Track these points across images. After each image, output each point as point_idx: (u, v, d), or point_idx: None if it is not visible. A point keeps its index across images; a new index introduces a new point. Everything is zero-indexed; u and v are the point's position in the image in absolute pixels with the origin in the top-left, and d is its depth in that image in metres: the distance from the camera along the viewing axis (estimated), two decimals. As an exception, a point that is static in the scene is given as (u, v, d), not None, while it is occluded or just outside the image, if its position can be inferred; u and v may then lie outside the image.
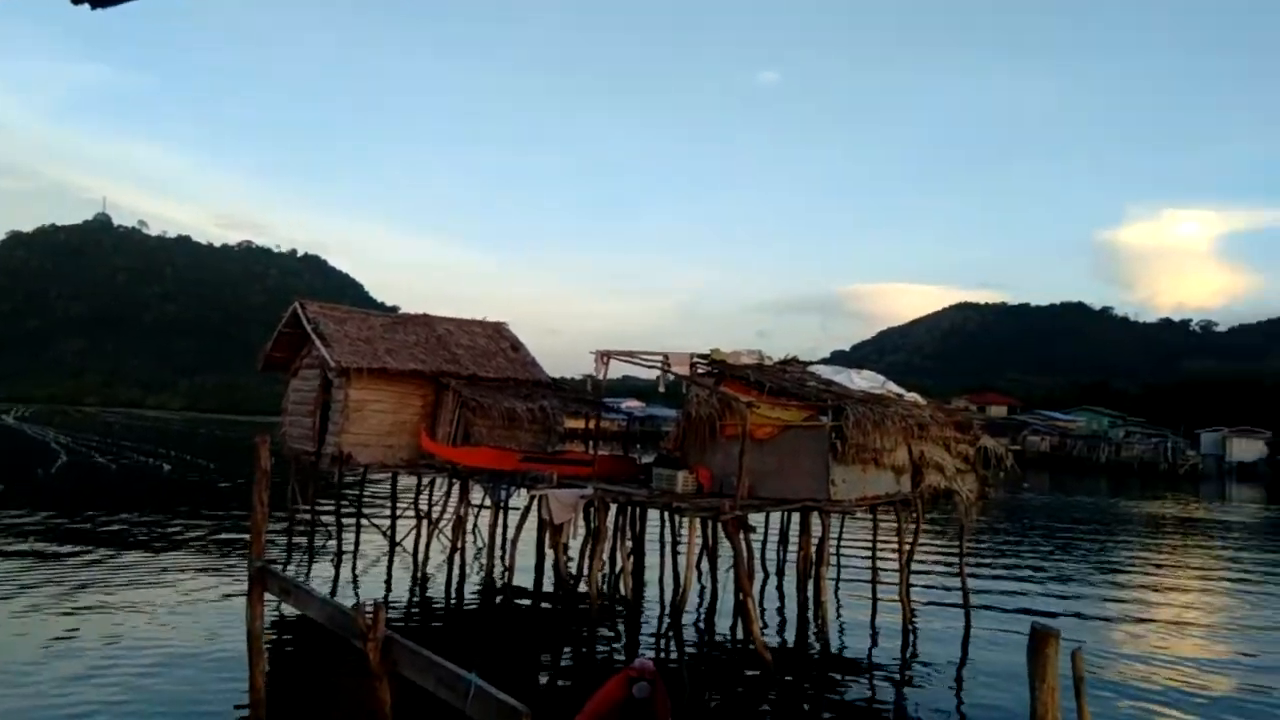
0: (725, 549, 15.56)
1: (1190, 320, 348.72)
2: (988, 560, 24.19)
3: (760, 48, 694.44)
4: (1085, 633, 15.64)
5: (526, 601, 16.87)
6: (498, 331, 23.90)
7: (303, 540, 21.48)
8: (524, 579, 17.88)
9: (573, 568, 17.26)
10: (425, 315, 23.31)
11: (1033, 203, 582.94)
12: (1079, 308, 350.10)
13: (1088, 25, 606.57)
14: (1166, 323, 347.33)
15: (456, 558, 18.72)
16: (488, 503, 18.91)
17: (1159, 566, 25.43)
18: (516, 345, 23.70)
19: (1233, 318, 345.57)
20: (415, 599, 16.85)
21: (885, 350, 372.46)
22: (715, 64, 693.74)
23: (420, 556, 19.83)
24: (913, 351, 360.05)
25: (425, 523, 20.70)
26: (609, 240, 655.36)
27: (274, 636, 12.65)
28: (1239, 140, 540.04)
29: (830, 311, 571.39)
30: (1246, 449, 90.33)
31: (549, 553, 16.70)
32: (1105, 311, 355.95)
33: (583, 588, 16.11)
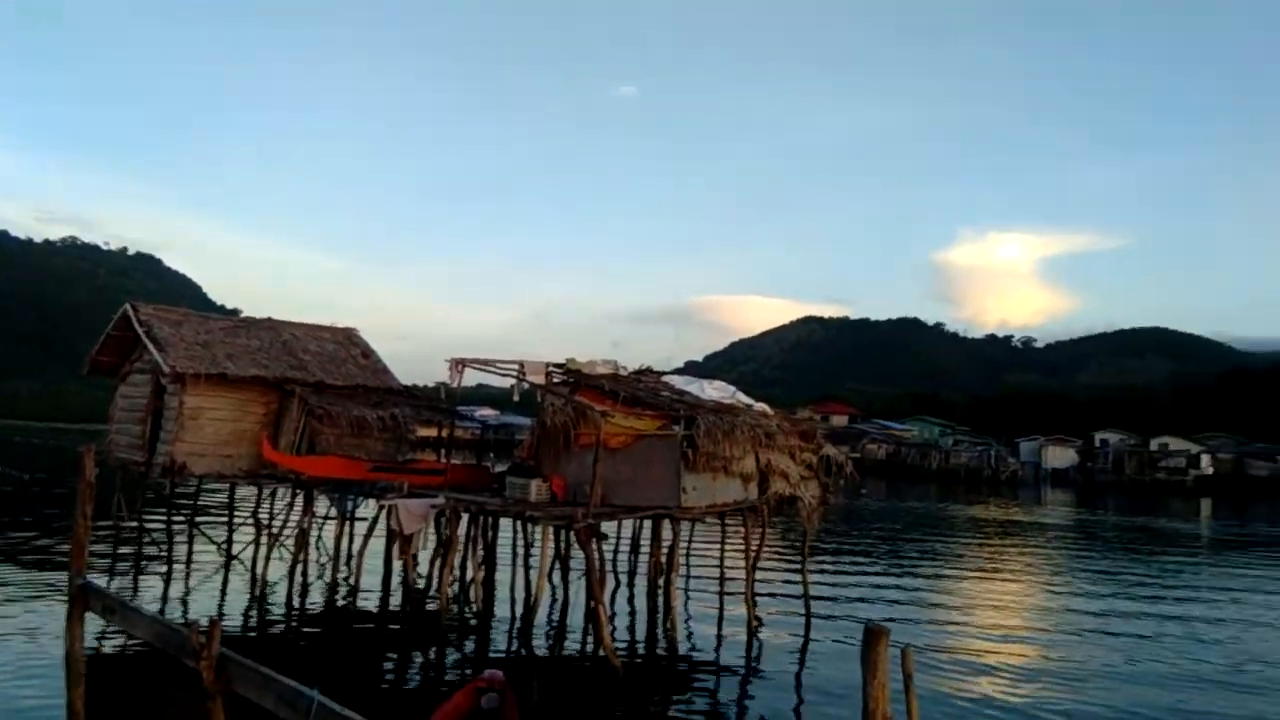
0: (578, 557, 15.66)
1: (1013, 336, 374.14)
2: (829, 563, 25.23)
3: (621, 61, 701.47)
4: (916, 631, 16.56)
5: (373, 615, 16.43)
6: (347, 338, 23.19)
7: (130, 555, 20.19)
8: (371, 592, 17.42)
9: (422, 579, 16.95)
10: (270, 320, 22.37)
11: (875, 222, 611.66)
12: (915, 323, 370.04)
13: (928, 59, 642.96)
14: (992, 338, 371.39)
15: (298, 571, 18.05)
16: (334, 514, 18.33)
17: (983, 567, 27.19)
18: (367, 352, 23.07)
19: (1050, 335, 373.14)
20: (253, 614, 16.13)
21: (736, 361, 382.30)
22: (575, 74, 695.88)
23: (259, 570, 18.98)
24: (762, 362, 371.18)
25: (265, 535, 19.84)
26: (461, 247, 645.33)
27: (97, 658, 11.85)
28: (1056, 170, 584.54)
29: (683, 322, 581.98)
30: (1060, 457, 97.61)
31: (397, 564, 16.36)
32: (938, 327, 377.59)
33: (432, 599, 15.84)
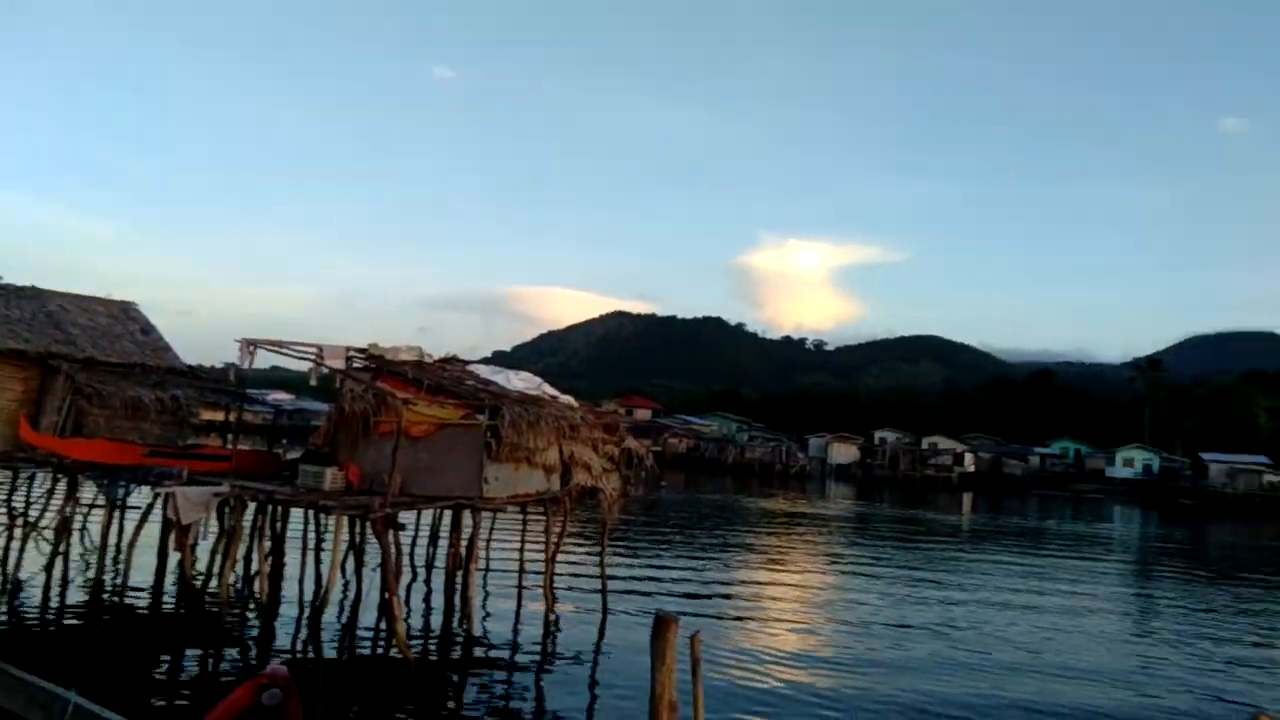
0: (374, 548, 15.21)
1: (807, 339, 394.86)
2: (629, 553, 25.77)
3: (436, 45, 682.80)
4: (708, 620, 17.22)
5: (144, 611, 15.28)
6: (124, 312, 21.40)
7: None
8: (142, 587, 16.21)
9: (202, 573, 15.95)
10: (33, 288, 20.30)
11: (684, 223, 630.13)
12: (718, 322, 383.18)
13: (744, 72, 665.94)
14: (788, 340, 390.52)
15: (58, 563, 16.53)
16: (101, 502, 16.90)
17: (772, 557, 28.62)
18: (147, 328, 21.38)
19: (840, 339, 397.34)
20: (3, 612, 14.62)
21: (544, 352, 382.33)
22: (391, 54, 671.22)
23: (10, 564, 17.21)
24: (570, 355, 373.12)
25: (20, 525, 18.02)
26: (258, 221, 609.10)
27: None
28: (851, 186, 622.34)
29: (492, 311, 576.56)
30: (843, 453, 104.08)
31: (174, 556, 15.32)
32: (739, 327, 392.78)
33: (213, 594, 14.94)
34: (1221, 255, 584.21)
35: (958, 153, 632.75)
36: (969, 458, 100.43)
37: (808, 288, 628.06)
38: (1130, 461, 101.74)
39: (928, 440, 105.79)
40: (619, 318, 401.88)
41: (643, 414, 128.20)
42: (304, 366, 14.73)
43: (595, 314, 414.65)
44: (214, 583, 15.39)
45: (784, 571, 25.07)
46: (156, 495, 14.23)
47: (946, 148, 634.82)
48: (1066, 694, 13.55)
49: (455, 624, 15.37)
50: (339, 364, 14.32)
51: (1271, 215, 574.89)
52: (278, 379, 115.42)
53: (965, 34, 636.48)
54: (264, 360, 16.09)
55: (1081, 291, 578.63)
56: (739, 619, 17.80)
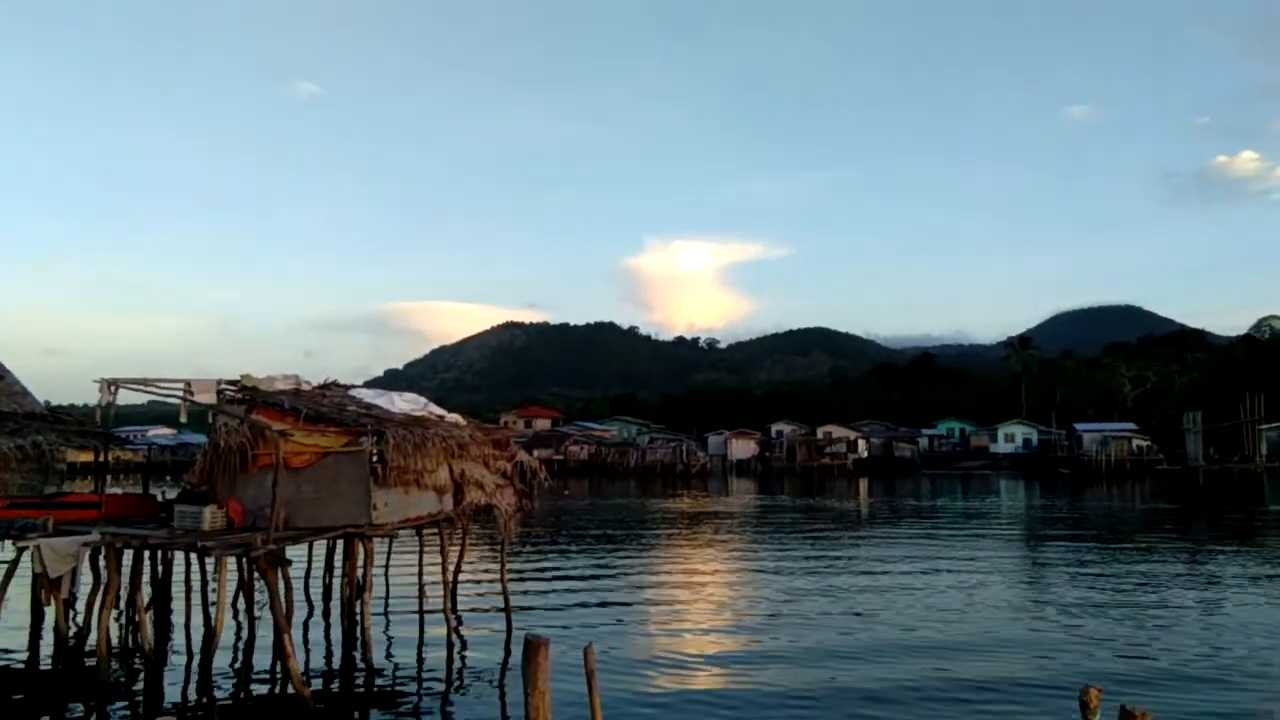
0: (264, 586, 14.66)
1: (699, 338, 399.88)
2: (533, 568, 25.57)
3: (298, 58, 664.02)
4: (614, 625, 17.24)
5: (18, 671, 14.36)
6: (-28, 356, 20.09)
7: None
8: (12, 647, 15.24)
9: (78, 626, 15.07)
10: None
11: (569, 231, 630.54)
12: (611, 327, 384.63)
13: (616, 73, 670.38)
14: (681, 340, 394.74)
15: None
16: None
17: (678, 558, 28.82)
18: (1, 372, 20.12)
19: (732, 336, 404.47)
20: None
21: (438, 368, 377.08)
22: (251, 70, 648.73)
23: None
24: (464, 369, 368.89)
25: None
26: (123, 251, 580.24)
27: None
28: (729, 185, 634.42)
29: (381, 330, 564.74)
30: (742, 448, 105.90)
31: (50, 611, 14.47)
32: (632, 330, 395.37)
33: (91, 644, 14.13)
34: (1079, 235, 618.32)
35: (826, 148, 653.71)
36: (862, 444, 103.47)
37: (697, 287, 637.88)
38: (1011, 436, 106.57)
39: (822, 430, 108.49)
40: (511, 328, 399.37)
41: (542, 423, 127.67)
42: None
43: (487, 325, 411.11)
44: (93, 636, 14.57)
45: (690, 572, 25.27)
46: (20, 549, 13.40)
47: (814, 143, 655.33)
48: (969, 668, 14.04)
49: (356, 655, 14.95)
50: (209, 398, 13.76)
51: (1117, 196, 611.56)
52: (156, 414, 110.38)
53: (826, 25, 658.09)
54: (142, 396, 15.38)
55: (955, 276, 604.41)
56: (647, 624, 17.84)
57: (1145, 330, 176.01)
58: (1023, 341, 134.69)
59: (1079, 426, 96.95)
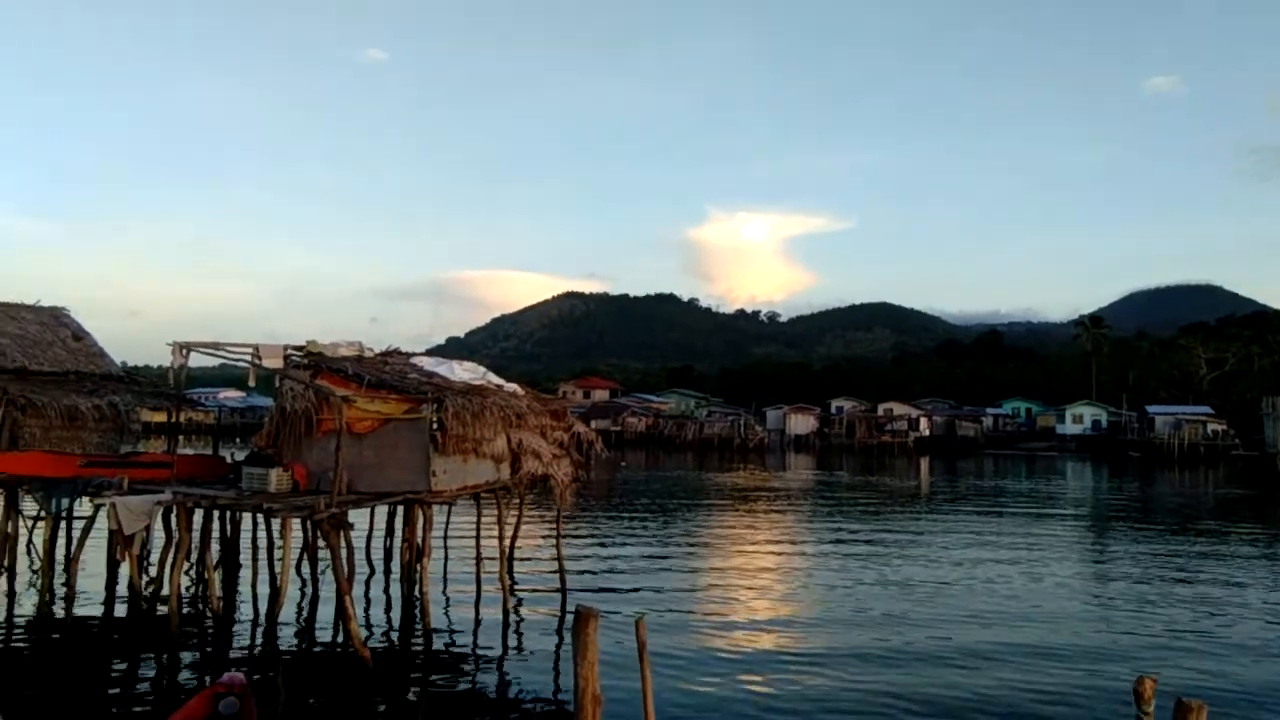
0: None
1: (760, 311, 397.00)
2: (589, 537, 25.79)
3: (366, 26, 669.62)
4: (666, 594, 17.29)
5: (95, 623, 14.96)
6: (54, 318, 20.77)
7: None
8: (91, 599, 15.87)
9: (152, 582, 15.63)
10: (-45, 297, 19.63)
11: (632, 200, 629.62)
12: (671, 298, 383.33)
13: (682, 45, 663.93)
14: (741, 313, 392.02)
15: (3, 580, 16.10)
16: (44, 516, 16.49)
17: (735, 532, 28.79)
18: (79, 334, 20.79)
19: (793, 310, 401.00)
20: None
21: (498, 337, 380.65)
22: (318, 38, 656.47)
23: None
24: (524, 338, 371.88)
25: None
26: (200, 214, 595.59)
27: None
28: (795, 157, 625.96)
29: (443, 298, 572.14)
30: (801, 424, 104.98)
31: (124, 567, 15.01)
32: (692, 302, 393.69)
33: (165, 602, 14.65)
34: (1158, 211, 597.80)
35: (896, 119, 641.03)
36: (924, 422, 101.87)
37: (758, 260, 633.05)
38: (1079, 418, 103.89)
39: (883, 407, 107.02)
40: (571, 298, 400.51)
41: (600, 394, 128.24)
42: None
43: (548, 295, 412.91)
44: (165, 591, 15.08)
45: (745, 548, 25.25)
46: (97, 506, 13.91)
47: (884, 114, 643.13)
48: (1027, 655, 13.80)
49: (415, 620, 15.27)
50: (277, 363, 14.06)
51: (1197, 173, 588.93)
52: (227, 377, 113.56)
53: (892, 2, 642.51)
54: (214, 358, 15.78)
55: (1026, 253, 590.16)
56: (700, 596, 17.89)
57: (1224, 310, 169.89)
58: (1094, 320, 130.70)
59: (1151, 409, 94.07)
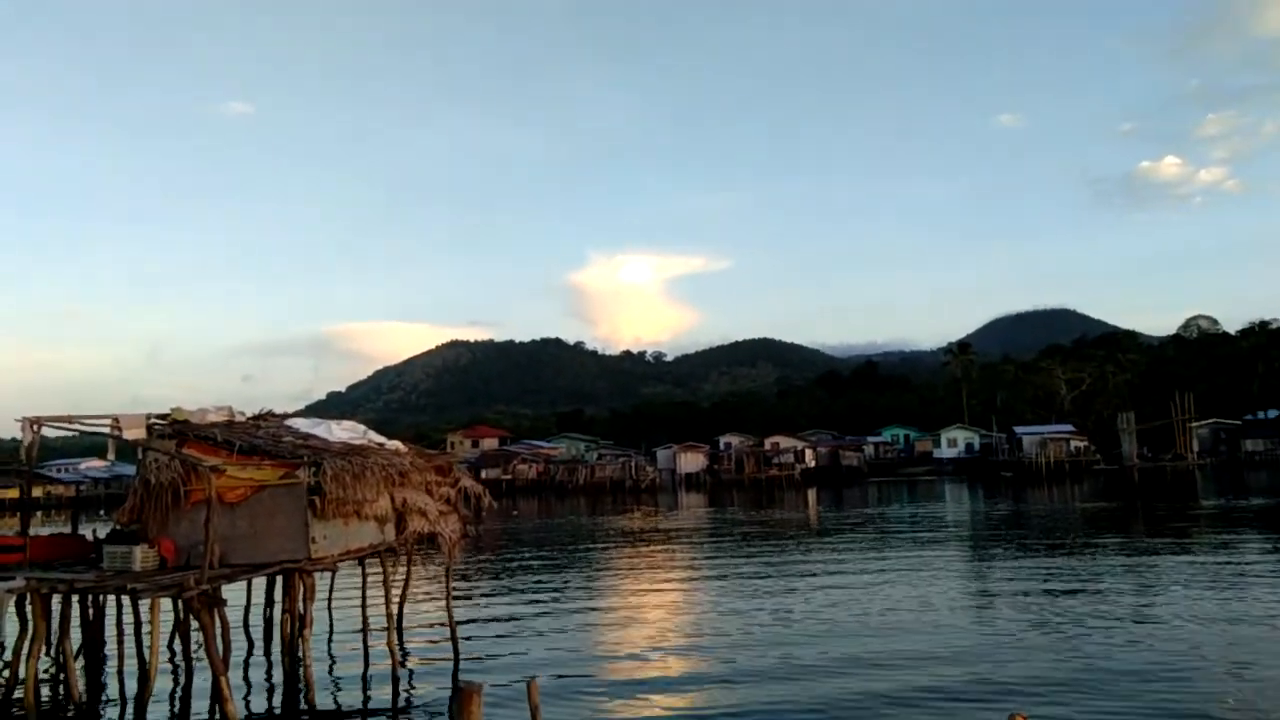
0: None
1: (646, 352, 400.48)
2: (482, 593, 25.20)
3: (229, 77, 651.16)
4: (562, 651, 16.99)
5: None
6: (-114, 395, 19.24)
7: None
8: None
9: (8, 673, 14.44)
10: None
11: (512, 246, 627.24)
12: (556, 343, 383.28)
13: (551, 90, 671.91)
14: (628, 354, 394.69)
15: None
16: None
17: (631, 578, 28.56)
18: (-84, 410, 19.32)
19: (678, 349, 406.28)
20: None
21: (383, 389, 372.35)
22: (178, 91, 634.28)
23: None
24: (410, 389, 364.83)
25: None
26: (53, 280, 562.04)
27: None
28: (670, 199, 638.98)
29: (322, 352, 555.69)
30: (691, 462, 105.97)
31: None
32: (578, 345, 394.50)
33: (19, 694, 13.53)
34: (1013, 240, 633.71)
35: (765, 160, 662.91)
36: (809, 454, 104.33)
37: (641, 301, 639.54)
38: (954, 441, 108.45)
39: (769, 440, 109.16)
40: (456, 347, 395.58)
41: (490, 443, 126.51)
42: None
43: (432, 345, 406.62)
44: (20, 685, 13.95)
45: (641, 591, 25.11)
46: (-62, 599, 12.80)
47: (754, 156, 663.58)
48: (912, 677, 14.10)
49: (299, 691, 14.54)
50: (139, 434, 13.32)
51: (1048, 203, 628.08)
52: (88, 445, 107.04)
53: (756, 42, 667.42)
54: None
55: (896, 284, 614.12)
56: (597, 649, 17.65)
57: (1080, 333, 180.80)
58: (962, 347, 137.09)
59: (1019, 429, 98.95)
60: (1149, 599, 20.15)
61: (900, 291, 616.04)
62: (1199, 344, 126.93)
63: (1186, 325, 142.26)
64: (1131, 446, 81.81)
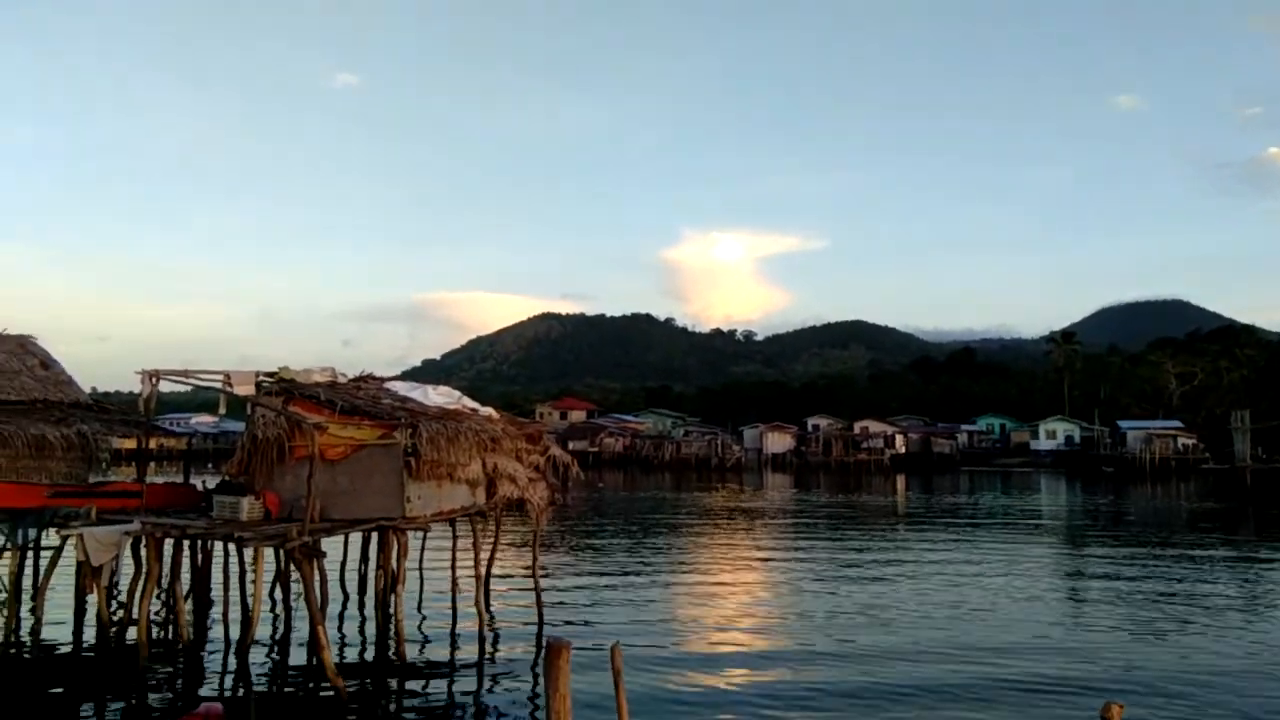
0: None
1: (736, 330, 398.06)
2: (566, 561, 25.63)
3: (337, 49, 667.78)
4: (643, 628, 17.13)
5: (62, 655, 14.66)
6: (21, 347, 20.44)
7: None
8: (59, 631, 15.55)
9: (120, 612, 15.36)
10: (-83, 327, 19.32)
11: (606, 221, 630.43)
12: (647, 318, 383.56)
13: (654, 69, 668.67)
14: (718, 332, 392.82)
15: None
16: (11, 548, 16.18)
17: (712, 555, 28.68)
18: (47, 362, 20.48)
19: (769, 328, 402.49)
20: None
21: (475, 358, 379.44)
22: (289, 61, 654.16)
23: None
24: (501, 359, 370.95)
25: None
26: (166, 239, 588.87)
27: None
28: (766, 178, 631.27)
29: (419, 320, 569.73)
30: (778, 443, 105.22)
31: (92, 598, 14.75)
32: (668, 322, 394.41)
33: (132, 633, 14.39)
34: (1126, 228, 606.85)
35: (867, 139, 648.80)
36: (899, 439, 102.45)
37: (733, 279, 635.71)
38: (1053, 433, 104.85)
39: (859, 424, 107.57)
40: (548, 319, 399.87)
41: (578, 415, 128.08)
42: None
43: (524, 316, 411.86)
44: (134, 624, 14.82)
45: (723, 569, 25.18)
46: (64, 538, 13.67)
47: (855, 135, 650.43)
48: (1000, 669, 13.80)
49: (389, 647, 15.08)
50: (248, 390, 13.91)
51: (1164, 189, 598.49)
52: (199, 402, 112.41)
53: (863, 23, 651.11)
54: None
55: (998, 270, 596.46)
56: (678, 621, 17.79)
57: (1193, 325, 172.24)
58: (1066, 336, 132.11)
59: (1123, 424, 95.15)
60: (1258, 603, 19.25)
61: (1002, 277, 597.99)
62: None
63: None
64: (1245, 446, 77.82)
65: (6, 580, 16.84)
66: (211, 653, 14.59)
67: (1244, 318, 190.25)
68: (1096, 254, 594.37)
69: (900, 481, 72.12)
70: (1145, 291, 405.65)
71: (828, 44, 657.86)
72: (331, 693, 11.88)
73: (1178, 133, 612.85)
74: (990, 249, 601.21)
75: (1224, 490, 59.61)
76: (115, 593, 15.99)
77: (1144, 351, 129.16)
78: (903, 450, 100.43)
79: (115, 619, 14.95)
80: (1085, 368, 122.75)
